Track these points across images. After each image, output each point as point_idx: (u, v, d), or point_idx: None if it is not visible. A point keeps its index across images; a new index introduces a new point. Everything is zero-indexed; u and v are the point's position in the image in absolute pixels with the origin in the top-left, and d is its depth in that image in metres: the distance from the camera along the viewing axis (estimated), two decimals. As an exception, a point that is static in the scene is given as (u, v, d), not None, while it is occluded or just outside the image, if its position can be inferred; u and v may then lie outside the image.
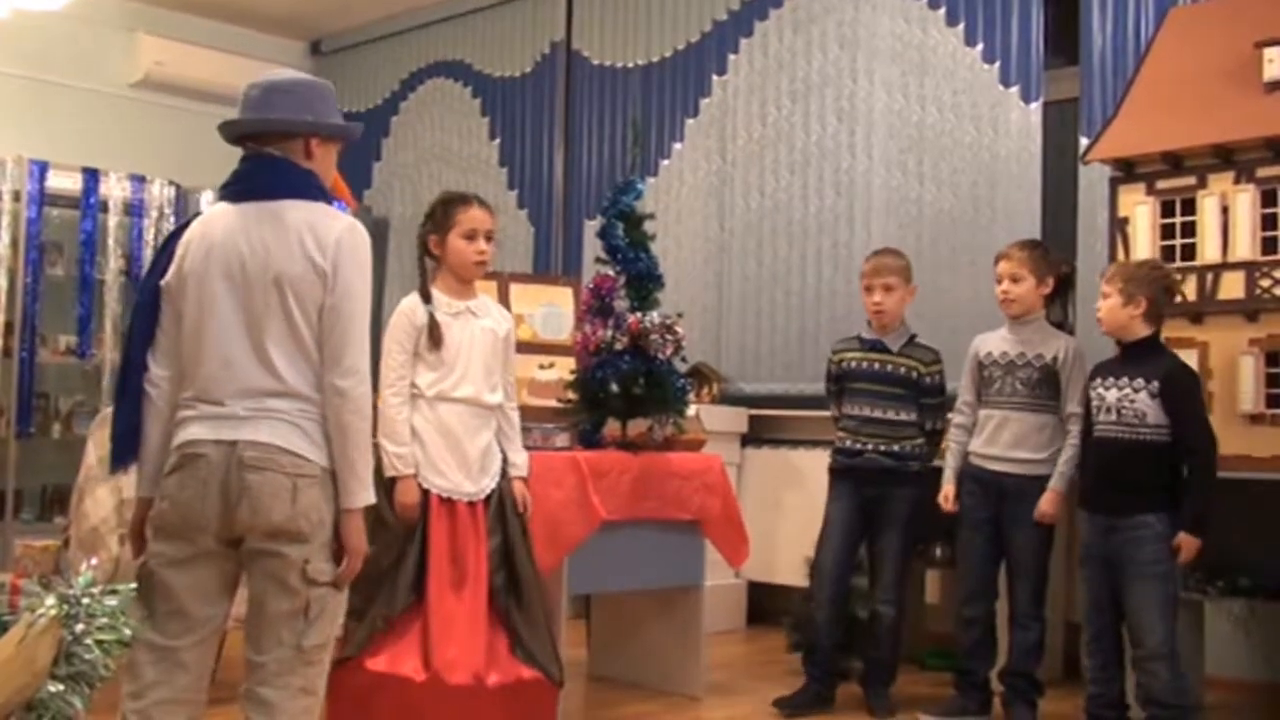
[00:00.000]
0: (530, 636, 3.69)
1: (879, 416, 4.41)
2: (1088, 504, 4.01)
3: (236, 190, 2.61)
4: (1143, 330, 3.91)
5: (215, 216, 2.61)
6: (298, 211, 2.54)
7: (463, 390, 3.72)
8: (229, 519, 2.47)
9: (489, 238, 3.81)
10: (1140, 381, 3.85)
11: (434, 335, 3.68)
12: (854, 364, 4.50)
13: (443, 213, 3.80)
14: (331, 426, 2.51)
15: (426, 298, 3.75)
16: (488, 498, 3.75)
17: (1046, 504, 4.20)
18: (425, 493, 3.67)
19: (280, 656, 2.50)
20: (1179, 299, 4.05)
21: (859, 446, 4.42)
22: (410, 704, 3.51)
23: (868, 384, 4.45)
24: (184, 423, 2.54)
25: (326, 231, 2.52)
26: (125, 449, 2.63)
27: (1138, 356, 3.90)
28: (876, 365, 4.46)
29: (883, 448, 4.39)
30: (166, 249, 2.65)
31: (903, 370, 4.43)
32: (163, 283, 2.61)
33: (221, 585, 2.58)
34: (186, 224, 2.67)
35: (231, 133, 2.63)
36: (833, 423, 4.60)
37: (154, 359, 2.61)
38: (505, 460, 3.85)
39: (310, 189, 2.59)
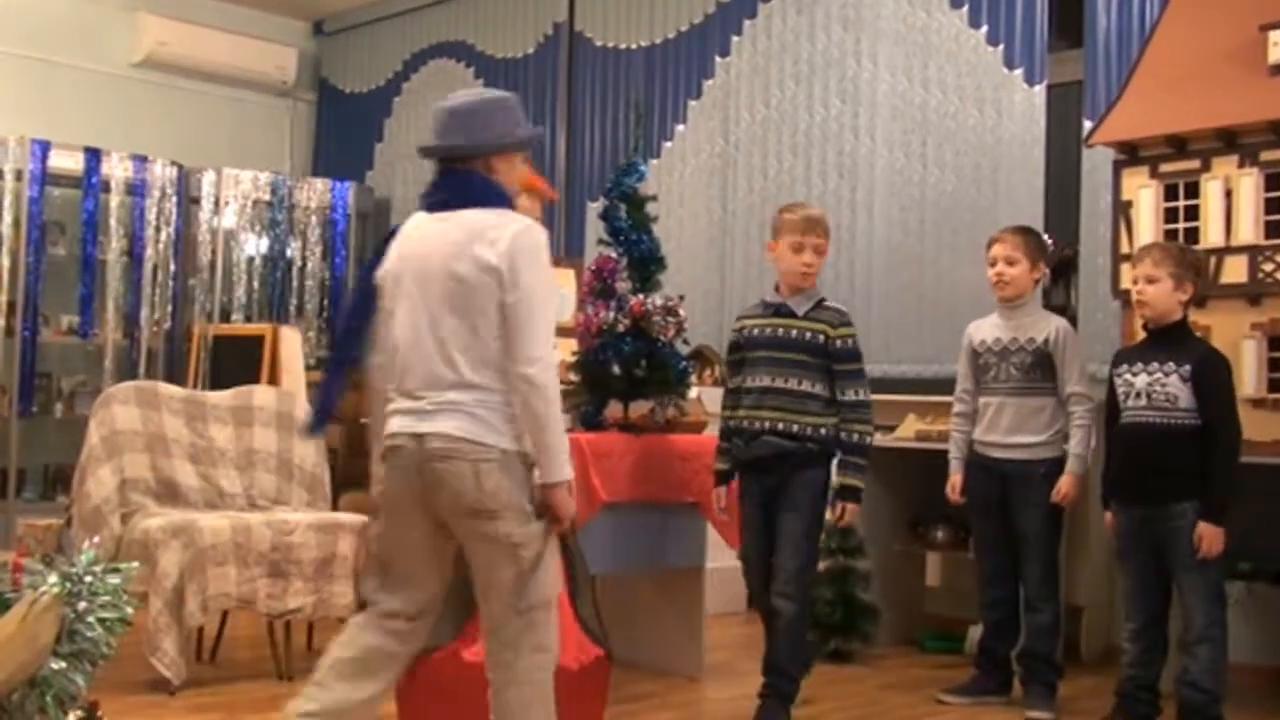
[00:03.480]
0: (589, 616, 3.66)
1: (780, 386, 3.94)
2: (1120, 494, 3.92)
3: (430, 202, 2.97)
4: (1179, 314, 3.87)
5: (414, 224, 2.97)
6: (477, 217, 2.84)
7: None
8: (429, 503, 2.81)
9: None
10: (1171, 365, 3.79)
11: None
12: (756, 331, 4.05)
13: None
14: (521, 413, 2.79)
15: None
16: None
17: (1066, 485, 4.19)
18: None
19: (505, 623, 2.81)
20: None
21: (756, 426, 3.96)
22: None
23: (769, 351, 3.99)
24: (390, 415, 2.88)
25: (500, 233, 2.79)
26: (319, 420, 3.13)
27: (1167, 341, 3.85)
28: (781, 331, 3.99)
29: (780, 426, 3.92)
30: (381, 249, 2.99)
31: (808, 335, 3.94)
32: (377, 280, 2.95)
33: (437, 559, 2.91)
34: (398, 228, 3.03)
35: (425, 156, 3.04)
36: (727, 395, 4.14)
37: (374, 348, 2.96)
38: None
39: (490, 197, 2.88)
